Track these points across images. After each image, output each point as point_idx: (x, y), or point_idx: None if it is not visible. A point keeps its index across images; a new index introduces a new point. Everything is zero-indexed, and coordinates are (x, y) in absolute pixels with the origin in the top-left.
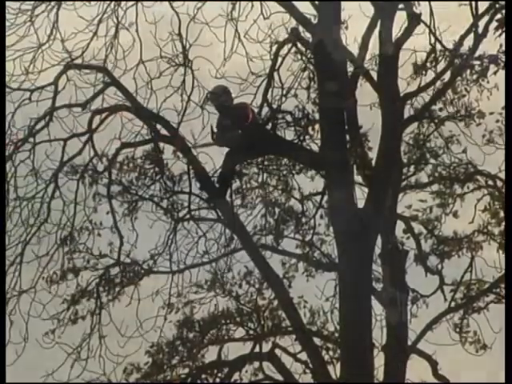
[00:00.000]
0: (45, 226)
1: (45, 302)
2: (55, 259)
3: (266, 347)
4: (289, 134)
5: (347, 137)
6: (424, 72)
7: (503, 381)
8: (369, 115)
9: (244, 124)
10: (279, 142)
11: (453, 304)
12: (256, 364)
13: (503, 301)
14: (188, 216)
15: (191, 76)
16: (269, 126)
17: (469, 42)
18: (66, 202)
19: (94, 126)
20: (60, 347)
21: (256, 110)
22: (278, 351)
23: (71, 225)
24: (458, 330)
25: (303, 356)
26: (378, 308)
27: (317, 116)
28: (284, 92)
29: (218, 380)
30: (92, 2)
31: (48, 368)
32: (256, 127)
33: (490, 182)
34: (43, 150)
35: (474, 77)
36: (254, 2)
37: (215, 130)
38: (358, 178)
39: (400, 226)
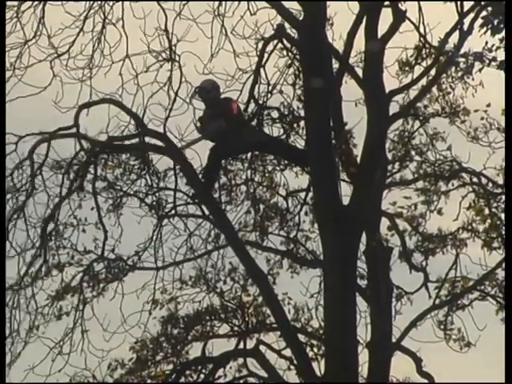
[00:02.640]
0: (29, 220)
1: (28, 297)
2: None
3: (251, 344)
4: (274, 131)
5: (332, 133)
6: (409, 69)
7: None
8: (354, 112)
9: (228, 116)
10: (265, 138)
11: (437, 301)
12: (240, 360)
13: (488, 298)
14: (173, 212)
15: (177, 72)
16: (254, 122)
17: (454, 39)
18: (51, 196)
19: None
20: (42, 341)
21: (242, 107)
22: (262, 348)
23: (55, 220)
24: (442, 327)
25: (287, 352)
26: (362, 305)
27: (302, 112)
28: (270, 88)
29: (202, 376)
30: None
31: (30, 362)
32: (241, 122)
33: (475, 180)
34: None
35: (459, 74)
36: None
37: (199, 123)
38: (343, 175)
39: (384, 222)
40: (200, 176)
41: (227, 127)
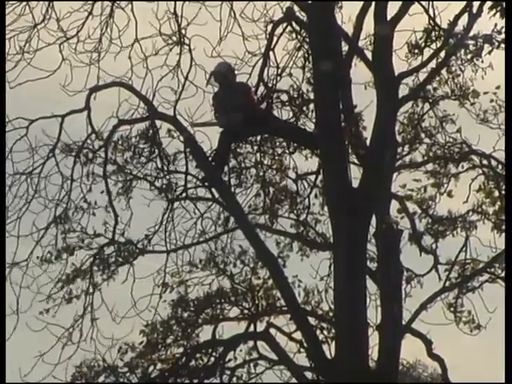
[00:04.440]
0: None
1: (37, 279)
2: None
3: (261, 327)
4: (284, 114)
5: (342, 116)
6: (419, 51)
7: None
8: (363, 95)
9: (249, 110)
10: (274, 121)
11: (447, 283)
12: (250, 343)
13: (498, 280)
14: (183, 195)
15: (187, 55)
16: (264, 106)
17: (463, 21)
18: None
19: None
20: (49, 330)
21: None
22: (272, 330)
23: (66, 203)
24: (452, 309)
25: (298, 335)
26: (372, 287)
27: (312, 95)
28: (279, 71)
29: (212, 359)
30: None
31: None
32: (254, 108)
33: (485, 162)
34: (40, 126)
35: (469, 56)
36: None
37: (213, 103)
38: (353, 158)
39: (394, 205)
40: (210, 159)
41: (244, 119)
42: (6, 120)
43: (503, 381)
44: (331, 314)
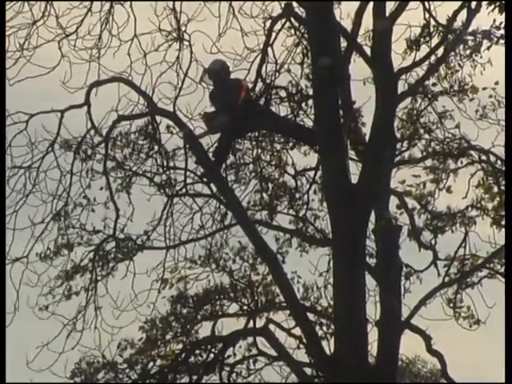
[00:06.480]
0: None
1: (35, 275)
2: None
3: (260, 323)
4: (282, 110)
5: (341, 112)
6: (417, 47)
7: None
8: (362, 90)
9: (234, 108)
10: (273, 117)
11: (446, 279)
12: (250, 339)
13: (497, 276)
14: (183, 191)
15: (186, 51)
16: (262, 102)
17: (462, 17)
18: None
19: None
20: (52, 324)
21: (250, 86)
22: (271, 326)
23: (65, 198)
24: (451, 305)
25: (297, 331)
26: (371, 283)
27: (310, 91)
28: (278, 67)
29: (211, 355)
30: None
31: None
32: (249, 104)
33: (484, 157)
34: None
35: (468, 52)
36: None
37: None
38: (352, 154)
39: (393, 201)
40: (210, 155)
41: (232, 118)
42: (6, 114)
43: (503, 376)
44: (330, 310)
